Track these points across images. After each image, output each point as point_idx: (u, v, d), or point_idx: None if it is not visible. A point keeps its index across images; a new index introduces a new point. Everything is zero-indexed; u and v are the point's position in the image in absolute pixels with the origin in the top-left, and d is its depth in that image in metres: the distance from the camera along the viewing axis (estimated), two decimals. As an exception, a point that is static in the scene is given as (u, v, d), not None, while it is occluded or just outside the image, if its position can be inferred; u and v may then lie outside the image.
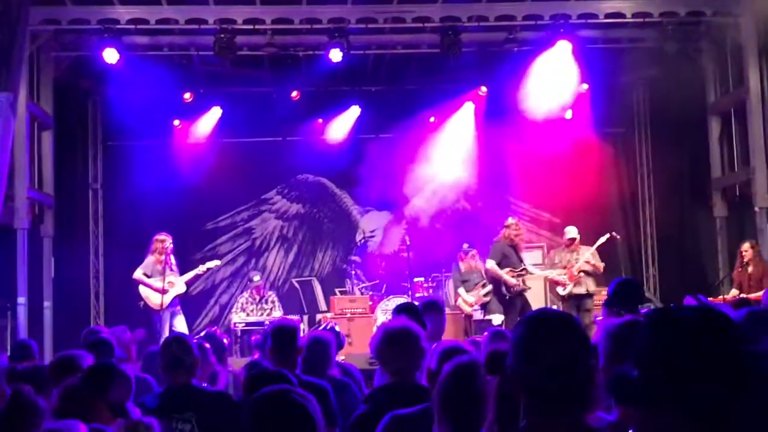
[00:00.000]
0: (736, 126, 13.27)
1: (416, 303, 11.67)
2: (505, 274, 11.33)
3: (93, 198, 15.00)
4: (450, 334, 10.67)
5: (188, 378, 4.81)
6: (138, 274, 11.53)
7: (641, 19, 12.48)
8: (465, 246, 12.63)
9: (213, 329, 7.97)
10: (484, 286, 12.13)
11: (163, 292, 11.36)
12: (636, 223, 15.80)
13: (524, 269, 11.48)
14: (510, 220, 11.85)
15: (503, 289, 11.42)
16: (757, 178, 12.28)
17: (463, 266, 12.41)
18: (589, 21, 12.50)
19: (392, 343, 4.26)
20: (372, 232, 15.83)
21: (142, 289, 11.50)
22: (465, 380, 3.19)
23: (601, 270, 11.80)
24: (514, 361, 2.33)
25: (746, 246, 10.81)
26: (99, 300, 14.77)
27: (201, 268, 12.10)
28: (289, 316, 12.35)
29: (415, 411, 3.65)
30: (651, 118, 15.57)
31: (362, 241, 15.69)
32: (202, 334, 7.44)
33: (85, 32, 12.32)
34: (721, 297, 10.96)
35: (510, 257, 11.45)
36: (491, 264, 11.42)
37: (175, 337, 5.26)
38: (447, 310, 12.84)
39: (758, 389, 1.78)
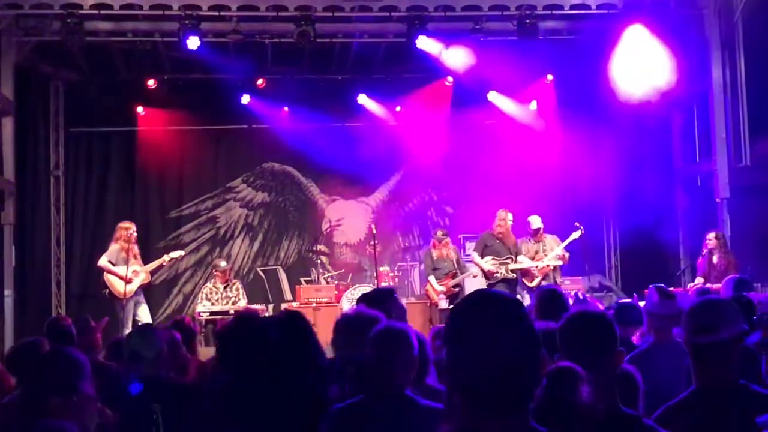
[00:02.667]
0: (699, 118, 13.44)
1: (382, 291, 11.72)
2: (482, 262, 11.75)
3: (55, 185, 14.78)
4: (416, 323, 10.72)
5: (152, 370, 4.76)
6: (103, 261, 11.44)
7: (606, 11, 12.57)
8: (440, 233, 12.65)
9: (182, 317, 7.90)
10: (454, 276, 12.20)
11: (128, 281, 11.29)
12: (598, 213, 15.92)
13: (509, 258, 11.63)
14: (499, 213, 12.03)
15: (483, 276, 11.90)
16: (719, 168, 12.46)
17: (435, 253, 12.42)
18: (555, 12, 12.57)
19: (346, 331, 4.22)
20: (338, 221, 15.80)
21: (106, 277, 11.41)
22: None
23: (567, 261, 11.97)
24: (447, 357, 1.98)
25: (711, 236, 10.93)
26: (60, 288, 14.59)
27: (164, 259, 12.04)
28: (254, 306, 12.35)
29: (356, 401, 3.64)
30: (615, 108, 15.66)
31: (328, 230, 15.66)
32: (168, 322, 7.37)
33: (47, 17, 12.14)
34: (683, 287, 11.12)
35: (492, 246, 11.84)
36: (473, 254, 12.13)
37: (138, 330, 5.20)
38: (412, 299, 13.02)
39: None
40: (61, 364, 3.72)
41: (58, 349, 3.92)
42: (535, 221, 12.02)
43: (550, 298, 5.71)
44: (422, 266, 13.23)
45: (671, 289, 8.63)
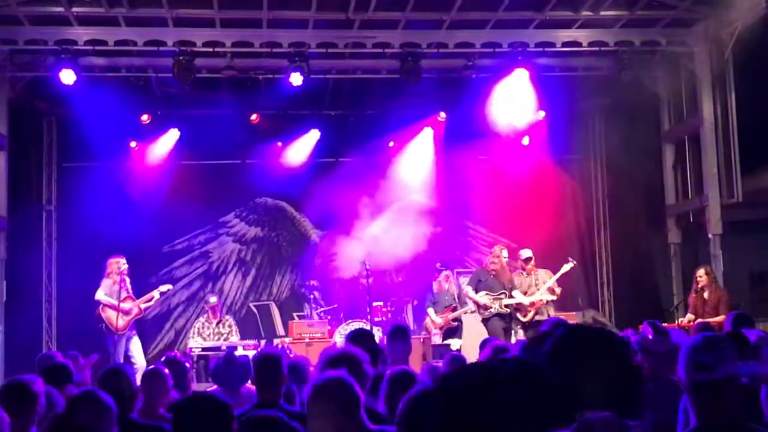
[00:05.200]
0: (690, 154, 13.51)
1: (378, 328, 11.74)
2: (476, 296, 11.77)
3: (47, 220, 14.75)
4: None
5: (126, 410, 4.66)
6: (100, 295, 11.42)
7: (597, 48, 12.67)
8: (438, 265, 12.72)
9: (173, 353, 7.83)
10: (454, 309, 12.18)
11: (126, 312, 11.24)
12: (591, 249, 15.94)
13: (503, 293, 11.62)
14: (494, 249, 12.08)
15: (478, 310, 11.89)
16: (711, 205, 12.50)
17: (435, 287, 12.52)
18: (547, 49, 12.67)
19: (331, 368, 4.21)
20: (331, 256, 15.77)
21: (102, 311, 11.35)
22: None
23: (559, 295, 11.97)
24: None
25: (701, 272, 10.93)
26: (52, 324, 14.50)
27: (154, 294, 11.97)
28: (247, 341, 12.29)
29: None
30: (606, 145, 15.76)
31: (321, 265, 15.63)
32: (163, 359, 7.29)
33: (41, 53, 12.19)
34: (676, 322, 11.11)
35: (486, 282, 11.84)
36: (466, 289, 12.09)
37: (112, 370, 5.13)
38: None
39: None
40: (91, 407, 3.70)
41: (89, 392, 3.90)
42: (525, 253, 12.10)
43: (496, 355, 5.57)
44: (415, 301, 13.24)
45: (665, 324, 8.64)
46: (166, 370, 5.71)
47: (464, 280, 13.02)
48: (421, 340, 12.66)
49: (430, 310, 12.38)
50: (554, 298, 11.84)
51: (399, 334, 6.50)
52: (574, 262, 12.11)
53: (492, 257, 12.02)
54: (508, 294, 11.72)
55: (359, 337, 6.06)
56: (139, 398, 5.10)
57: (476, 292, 11.82)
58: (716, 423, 3.17)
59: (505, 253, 11.99)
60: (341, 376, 3.59)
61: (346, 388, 3.55)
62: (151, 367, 5.96)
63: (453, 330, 12.20)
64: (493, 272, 11.88)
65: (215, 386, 6.57)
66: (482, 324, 11.82)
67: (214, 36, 12.02)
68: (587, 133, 16.02)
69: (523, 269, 12.05)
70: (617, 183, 15.15)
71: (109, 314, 11.31)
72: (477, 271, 12.31)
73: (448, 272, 12.68)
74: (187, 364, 6.84)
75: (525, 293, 11.80)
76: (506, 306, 11.67)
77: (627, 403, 1.94)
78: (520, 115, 14.00)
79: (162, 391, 5.50)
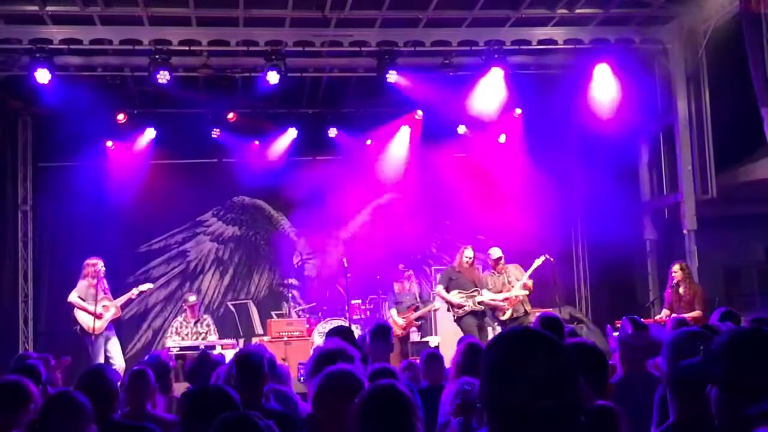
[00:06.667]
0: (665, 151, 13.61)
1: (356, 325, 11.74)
2: (448, 295, 11.76)
3: (23, 220, 14.65)
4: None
5: (106, 411, 4.64)
6: (73, 297, 11.33)
7: (572, 46, 12.75)
8: (401, 266, 12.74)
9: (158, 352, 7.82)
10: (416, 309, 12.23)
11: (98, 316, 11.17)
12: (567, 245, 16.01)
13: (475, 291, 11.64)
14: (461, 249, 12.07)
15: (450, 309, 11.88)
16: (686, 201, 12.60)
17: (397, 287, 12.54)
18: (523, 47, 12.73)
19: (326, 364, 4.22)
20: (309, 254, 15.78)
21: (77, 313, 11.28)
22: None
23: (531, 289, 11.98)
24: (488, 387, 2.10)
25: (676, 267, 11.02)
26: (28, 325, 14.39)
27: (133, 292, 11.94)
28: (225, 340, 12.26)
29: None
30: (582, 141, 15.82)
31: (299, 263, 15.62)
32: (145, 358, 7.27)
33: (16, 52, 12.09)
34: (652, 318, 11.19)
35: (457, 280, 11.85)
36: (438, 288, 12.11)
37: (92, 370, 5.10)
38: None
39: None
40: (64, 409, 3.69)
41: (63, 393, 3.89)
42: (495, 252, 12.07)
43: (471, 353, 5.56)
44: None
45: (643, 320, 8.69)
46: (150, 370, 5.70)
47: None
48: (400, 337, 12.70)
49: (393, 311, 12.42)
50: (527, 293, 11.87)
51: (381, 334, 6.56)
52: (546, 256, 12.12)
53: (457, 256, 12.06)
54: (479, 291, 11.74)
55: (339, 334, 6.07)
56: (120, 399, 5.07)
57: (448, 291, 11.79)
58: (696, 418, 3.19)
59: (468, 251, 11.98)
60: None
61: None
62: (136, 367, 5.94)
63: (417, 329, 12.30)
64: (461, 270, 11.91)
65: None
66: (455, 323, 11.81)
67: (190, 35, 11.97)
68: (563, 130, 16.05)
69: (494, 269, 12.06)
70: (593, 180, 15.20)
71: (83, 316, 11.25)
72: (447, 270, 12.34)
73: (410, 272, 12.73)
74: (171, 364, 6.80)
75: (500, 292, 11.79)
76: (480, 303, 11.68)
77: None
78: (496, 113, 14.04)
79: (147, 391, 5.49)
